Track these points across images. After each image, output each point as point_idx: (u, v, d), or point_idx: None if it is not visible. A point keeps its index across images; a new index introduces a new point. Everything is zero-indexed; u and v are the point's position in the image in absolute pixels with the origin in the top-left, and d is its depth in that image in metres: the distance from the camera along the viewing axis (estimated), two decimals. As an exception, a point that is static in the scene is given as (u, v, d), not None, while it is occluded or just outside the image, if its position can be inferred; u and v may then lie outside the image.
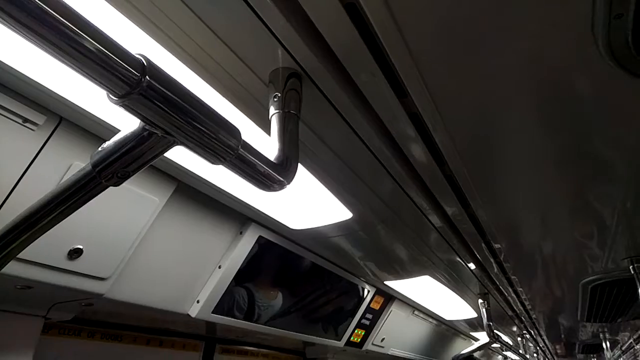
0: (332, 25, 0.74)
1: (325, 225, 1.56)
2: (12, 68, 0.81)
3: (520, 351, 4.74)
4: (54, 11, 0.43)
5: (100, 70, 0.47)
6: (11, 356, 1.29)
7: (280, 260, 1.86)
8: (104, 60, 0.47)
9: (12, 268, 1.01)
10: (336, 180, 1.25)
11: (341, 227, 1.56)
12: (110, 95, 0.50)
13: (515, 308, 3.18)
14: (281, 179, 0.74)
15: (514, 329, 4.18)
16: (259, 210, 1.44)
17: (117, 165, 0.58)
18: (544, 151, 1.09)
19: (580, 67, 0.79)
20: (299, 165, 1.06)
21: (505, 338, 4.26)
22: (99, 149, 0.59)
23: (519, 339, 4.60)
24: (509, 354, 5.80)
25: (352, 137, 1.04)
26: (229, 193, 1.31)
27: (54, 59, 0.46)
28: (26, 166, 0.96)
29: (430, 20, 0.71)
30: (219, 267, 1.58)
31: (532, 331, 4.29)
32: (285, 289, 2.02)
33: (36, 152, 0.97)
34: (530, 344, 5.21)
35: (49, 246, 1.05)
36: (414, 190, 1.32)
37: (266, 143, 0.78)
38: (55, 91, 0.88)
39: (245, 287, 1.77)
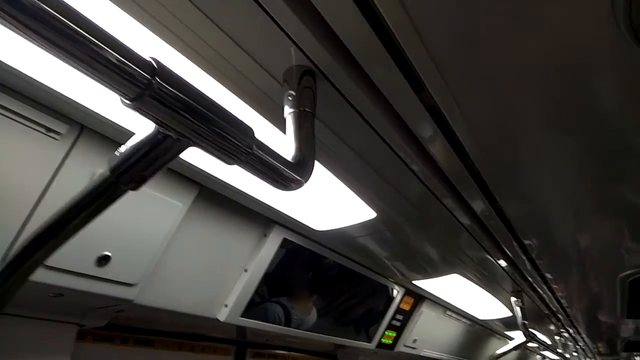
0: (345, 21, 0.73)
1: (350, 226, 1.55)
2: (32, 78, 0.83)
3: (559, 350, 4.59)
4: (63, 16, 0.44)
5: (111, 73, 0.47)
6: (49, 361, 1.33)
7: (307, 264, 1.86)
8: (115, 64, 0.47)
9: (45, 276, 1.03)
10: (358, 179, 1.24)
11: (366, 227, 1.55)
12: (123, 99, 0.51)
13: (551, 306, 3.08)
14: (298, 177, 0.74)
15: (551, 327, 4.05)
16: (282, 213, 1.44)
17: (134, 169, 0.59)
18: (572, 143, 1.05)
19: (602, 50, 0.76)
20: (319, 165, 1.05)
21: (542, 337, 4.13)
22: (116, 153, 0.59)
23: (556, 337, 4.46)
24: (547, 353, 5.63)
25: (371, 134, 1.03)
26: (251, 196, 1.32)
27: (69, 66, 0.47)
28: (52, 174, 0.99)
29: (443, 11, 0.70)
30: (245, 270, 1.59)
31: (570, 329, 4.14)
32: (316, 294, 2.02)
33: (60, 160, 1.00)
34: (569, 343, 5.03)
35: (77, 254, 1.07)
36: (439, 188, 1.29)
37: (282, 142, 0.78)
38: (76, 99, 0.90)
39: (280, 303, 1.78)
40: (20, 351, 1.28)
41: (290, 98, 0.81)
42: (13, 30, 0.42)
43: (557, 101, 0.90)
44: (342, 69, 0.82)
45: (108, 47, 0.47)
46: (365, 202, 1.36)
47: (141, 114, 0.52)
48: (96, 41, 0.46)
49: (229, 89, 0.87)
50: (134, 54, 0.49)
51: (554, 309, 3.21)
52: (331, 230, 1.60)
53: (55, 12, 0.43)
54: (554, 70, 0.81)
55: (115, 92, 0.50)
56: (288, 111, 0.81)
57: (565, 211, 1.49)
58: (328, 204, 1.40)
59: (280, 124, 0.96)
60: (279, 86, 0.86)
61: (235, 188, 1.26)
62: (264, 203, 1.37)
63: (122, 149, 0.59)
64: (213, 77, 0.85)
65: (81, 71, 0.47)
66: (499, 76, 0.84)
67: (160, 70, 0.50)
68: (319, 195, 1.33)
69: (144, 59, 0.50)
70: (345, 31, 0.76)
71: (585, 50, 0.76)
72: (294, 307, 1.89)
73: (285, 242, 1.64)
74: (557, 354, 4.55)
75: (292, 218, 1.49)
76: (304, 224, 1.55)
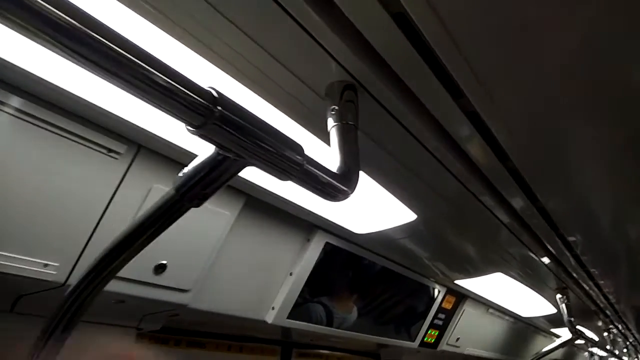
0: (382, 35, 0.77)
1: (390, 228, 1.58)
2: (95, 105, 0.91)
3: (608, 347, 4.44)
4: (135, 57, 0.49)
5: (177, 105, 0.53)
6: (111, 364, 1.42)
7: (347, 264, 1.90)
8: (181, 97, 0.52)
9: (109, 285, 1.11)
10: (397, 184, 1.27)
11: (406, 229, 1.57)
12: (188, 127, 0.56)
13: (598, 302, 3.00)
14: (345, 188, 0.78)
15: (599, 323, 3.93)
16: (324, 218, 1.49)
17: (197, 188, 0.65)
18: (615, 135, 1.04)
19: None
20: (361, 172, 1.09)
21: (589, 334, 4.02)
22: (180, 174, 0.65)
23: (605, 334, 4.32)
24: (595, 350, 5.46)
25: (410, 140, 1.06)
26: (294, 203, 1.37)
27: (136, 98, 0.52)
28: (113, 191, 1.08)
29: (477, 19, 0.72)
30: (290, 274, 1.65)
31: (619, 325, 4.01)
32: (358, 295, 2.05)
33: (121, 177, 1.08)
34: (619, 339, 4.87)
35: (137, 263, 1.14)
36: (478, 188, 1.30)
37: (327, 153, 0.82)
38: (132, 122, 0.97)
39: (321, 303, 1.83)
40: (84, 354, 1.38)
41: (333, 112, 0.85)
42: (92, 72, 0.47)
43: (598, 93, 0.89)
44: (382, 81, 0.85)
45: (174, 81, 0.52)
46: (406, 204, 1.39)
47: (204, 139, 0.57)
48: (163, 77, 0.51)
49: (273, 105, 0.92)
50: (196, 86, 0.54)
51: (602, 305, 3.12)
52: (372, 233, 1.63)
53: (128, 53, 0.48)
54: (592, 61, 0.81)
55: (181, 121, 0.55)
56: (331, 124, 0.85)
57: (610, 205, 1.46)
58: (368, 208, 1.43)
59: (325, 137, 1.00)
60: (322, 101, 0.90)
61: (279, 196, 1.32)
62: (307, 209, 1.42)
63: (186, 170, 0.65)
64: (257, 94, 0.90)
65: (151, 104, 0.53)
66: (536, 76, 0.85)
67: (220, 99, 0.55)
68: (360, 199, 1.36)
69: (205, 89, 0.55)
70: (383, 45, 0.79)
71: (623, 35, 0.75)
72: (335, 306, 1.93)
73: (327, 245, 1.69)
74: (606, 350, 4.41)
75: (333, 223, 1.54)
76: (345, 228, 1.59)
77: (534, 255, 1.94)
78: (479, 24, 0.73)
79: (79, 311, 0.77)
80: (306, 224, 1.61)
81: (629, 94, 0.89)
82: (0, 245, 0.96)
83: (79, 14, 0.44)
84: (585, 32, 0.74)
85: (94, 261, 0.73)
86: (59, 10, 0.42)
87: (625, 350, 5.89)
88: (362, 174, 1.17)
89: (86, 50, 0.45)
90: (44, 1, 0.41)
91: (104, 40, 0.45)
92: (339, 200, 0.79)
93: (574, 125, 1.01)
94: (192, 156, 1.05)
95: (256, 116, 0.60)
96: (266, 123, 0.62)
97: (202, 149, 0.97)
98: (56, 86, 0.85)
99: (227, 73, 0.84)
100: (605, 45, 0.77)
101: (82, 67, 0.46)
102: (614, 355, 4.80)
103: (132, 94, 0.51)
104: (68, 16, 0.43)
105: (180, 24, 0.74)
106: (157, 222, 0.69)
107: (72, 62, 0.46)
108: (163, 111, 0.53)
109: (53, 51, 0.44)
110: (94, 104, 0.90)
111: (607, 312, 3.37)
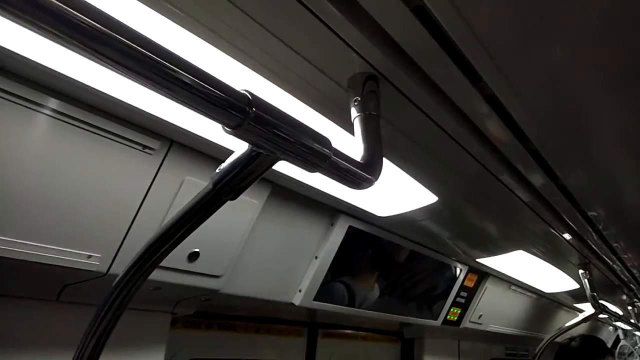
0: (402, 28, 0.79)
1: (412, 211, 1.61)
2: (129, 104, 0.96)
3: (632, 320, 4.43)
4: (175, 66, 0.52)
5: (215, 108, 0.56)
6: (149, 346, 1.50)
7: (371, 248, 1.95)
8: (220, 100, 0.56)
9: (149, 274, 1.19)
10: (418, 167, 1.30)
11: (427, 210, 1.61)
12: (225, 128, 0.60)
13: (622, 276, 2.99)
14: (369, 177, 0.82)
15: (623, 297, 3.92)
16: (347, 202, 1.54)
17: (233, 183, 0.69)
18: (633, 105, 1.04)
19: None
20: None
21: (613, 308, 4.01)
22: (217, 170, 0.70)
23: (629, 307, 4.31)
24: (619, 324, 5.44)
25: (430, 125, 1.08)
26: (318, 189, 1.42)
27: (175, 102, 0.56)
28: (149, 184, 1.13)
29: (492, 10, 0.74)
30: (316, 257, 1.70)
31: (644, 299, 4.00)
32: (380, 276, 2.10)
33: (155, 172, 1.13)
34: (644, 313, 4.84)
35: (173, 252, 1.21)
36: (498, 168, 1.32)
37: (350, 142, 0.86)
38: (165, 118, 1.02)
39: (344, 282, 1.89)
40: (125, 339, 1.46)
41: (356, 103, 0.89)
42: (137, 82, 0.51)
43: (617, 62, 0.89)
44: (402, 70, 0.88)
45: (211, 86, 0.56)
46: (427, 187, 1.42)
47: (240, 139, 0.61)
48: (202, 83, 0.55)
49: (298, 98, 0.96)
50: (232, 89, 0.58)
51: (625, 279, 3.12)
52: (393, 215, 1.67)
53: (168, 62, 0.51)
54: (608, 31, 0.80)
55: (219, 122, 0.59)
56: (355, 115, 0.89)
57: (631, 179, 1.47)
58: (390, 191, 1.47)
59: (348, 126, 1.04)
60: (345, 92, 0.93)
61: (304, 183, 1.36)
62: (330, 195, 1.46)
63: (222, 166, 0.70)
64: (283, 88, 0.94)
65: (191, 108, 0.57)
66: (552, 57, 0.86)
67: (254, 101, 0.59)
68: (382, 184, 1.39)
69: (240, 92, 0.59)
70: (403, 36, 0.82)
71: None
72: (357, 285, 1.98)
73: (350, 229, 1.74)
74: (630, 324, 4.39)
75: (356, 207, 1.58)
76: (367, 212, 1.63)
77: (555, 232, 1.95)
78: (494, 10, 0.75)
79: (127, 299, 0.83)
80: (330, 209, 1.66)
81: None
82: (48, 239, 1.03)
83: (123, 29, 0.47)
84: (602, 8, 0.75)
85: (139, 252, 0.79)
86: (104, 26, 0.45)
87: (650, 323, 5.86)
88: (384, 159, 1.21)
89: (132, 63, 0.48)
90: (86, 17, 0.43)
91: (151, 54, 0.49)
92: (364, 188, 0.83)
93: (592, 102, 1.02)
94: (220, 148, 1.12)
95: (286, 114, 0.64)
96: (296, 120, 0.66)
97: (231, 142, 1.02)
98: (93, 88, 0.90)
99: (254, 70, 0.88)
100: (627, 18, 0.78)
101: (127, 77, 0.50)
102: (639, 329, 4.79)
103: (175, 101, 0.55)
104: (112, 31, 0.46)
105: (203, 21, 0.77)
106: (196, 215, 0.74)
107: (119, 73, 0.50)
108: (202, 114, 0.57)
109: (102, 65, 0.48)
110: (129, 104, 0.95)
111: (632, 285, 3.36)
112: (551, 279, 2.90)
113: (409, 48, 0.84)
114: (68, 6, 0.42)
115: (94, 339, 0.85)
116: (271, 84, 0.92)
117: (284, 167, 1.23)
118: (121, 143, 1.04)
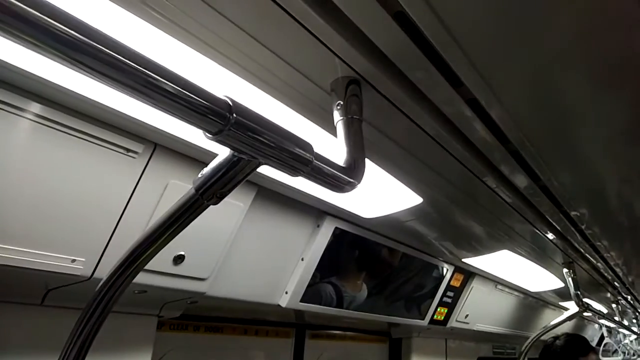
0: (384, 33, 0.80)
1: (397, 212, 1.63)
2: (113, 108, 0.96)
3: (616, 318, 4.50)
4: (154, 73, 0.53)
5: (197, 115, 0.57)
6: (136, 350, 1.50)
7: (358, 249, 1.96)
8: (200, 107, 0.56)
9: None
10: (402, 169, 1.31)
11: (413, 211, 1.62)
12: (206, 134, 0.61)
13: (605, 274, 3.04)
14: (352, 180, 0.82)
15: (608, 295, 3.99)
16: (332, 204, 1.55)
17: (215, 187, 0.70)
18: (616, 105, 1.04)
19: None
20: (367, 160, 1.13)
21: (597, 306, 4.07)
22: (199, 175, 0.70)
23: (613, 305, 4.38)
24: (604, 322, 5.52)
25: (413, 128, 1.10)
26: (303, 191, 1.43)
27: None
28: (133, 188, 1.13)
29: (470, 13, 0.75)
30: (302, 259, 1.71)
31: (627, 297, 4.06)
32: (367, 277, 2.12)
33: (139, 175, 1.13)
34: (628, 310, 4.92)
35: (158, 255, 1.21)
36: (481, 170, 1.34)
37: (333, 145, 0.87)
38: (148, 123, 1.02)
39: (331, 283, 1.89)
40: (111, 342, 1.45)
41: (339, 107, 0.90)
42: (117, 90, 0.51)
43: (598, 62, 0.89)
44: (384, 75, 0.89)
45: (192, 93, 0.56)
46: (411, 189, 1.43)
47: (221, 144, 0.62)
48: (183, 90, 0.55)
49: (282, 102, 0.97)
50: (212, 96, 0.59)
51: (609, 278, 3.17)
52: (379, 217, 1.68)
53: (148, 70, 0.52)
54: (588, 34, 0.81)
55: (199, 128, 0.60)
56: (337, 118, 0.90)
57: (612, 179, 1.49)
58: (376, 193, 1.48)
59: (331, 129, 1.05)
60: (328, 96, 0.94)
61: (289, 186, 1.37)
62: (316, 197, 1.47)
63: (204, 171, 0.70)
64: (266, 92, 0.94)
65: (172, 115, 0.57)
66: (532, 61, 0.87)
67: (235, 107, 0.60)
68: (367, 185, 1.41)
69: (222, 98, 0.60)
70: (384, 41, 0.83)
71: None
72: (344, 285, 2.00)
73: (336, 230, 1.75)
74: (614, 322, 4.46)
75: (342, 208, 1.59)
76: (353, 213, 1.64)
77: (539, 232, 1.98)
78: (474, 16, 0.76)
79: (111, 302, 0.83)
80: (316, 211, 1.67)
81: (633, 59, 0.89)
82: (31, 244, 1.02)
83: (102, 38, 0.47)
84: (579, 8, 0.76)
85: (123, 256, 0.79)
86: (84, 36, 0.45)
87: (634, 320, 5.95)
88: (368, 161, 1.22)
89: (111, 72, 0.49)
90: (66, 26, 0.43)
91: (130, 63, 0.49)
92: (346, 191, 0.84)
93: (572, 104, 1.03)
94: (204, 152, 1.12)
95: (268, 120, 0.65)
96: (277, 125, 0.66)
97: (215, 146, 1.02)
98: (76, 93, 0.90)
99: (237, 74, 0.88)
100: (607, 20, 0.78)
101: (107, 85, 0.51)
102: (623, 326, 4.86)
103: (156, 108, 0.55)
104: (92, 40, 0.46)
105: (187, 28, 0.78)
106: (179, 219, 0.74)
107: (98, 81, 0.50)
108: (182, 120, 0.58)
109: (82, 74, 0.49)
110: (112, 108, 0.96)
111: (616, 283, 3.41)
112: (536, 278, 2.94)
113: (391, 53, 0.85)
114: (47, 16, 0.42)
115: (78, 343, 0.85)
116: (255, 88, 0.92)
117: (268, 170, 1.23)
118: (105, 147, 1.04)
